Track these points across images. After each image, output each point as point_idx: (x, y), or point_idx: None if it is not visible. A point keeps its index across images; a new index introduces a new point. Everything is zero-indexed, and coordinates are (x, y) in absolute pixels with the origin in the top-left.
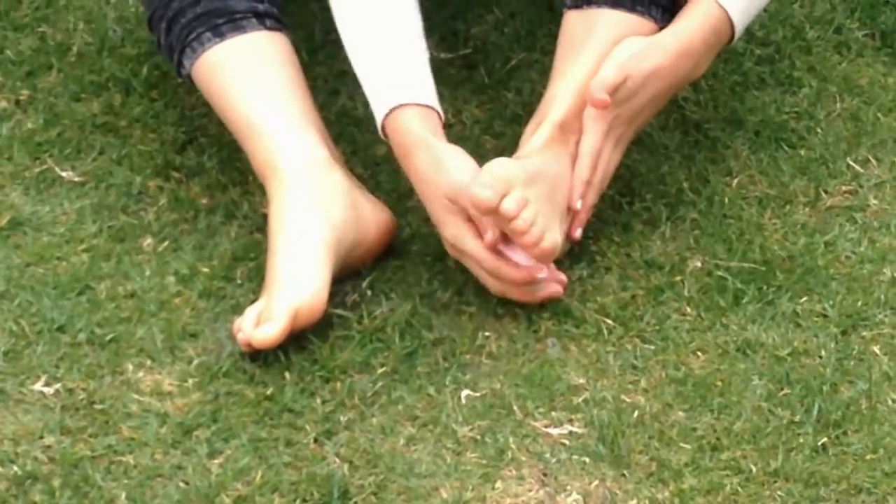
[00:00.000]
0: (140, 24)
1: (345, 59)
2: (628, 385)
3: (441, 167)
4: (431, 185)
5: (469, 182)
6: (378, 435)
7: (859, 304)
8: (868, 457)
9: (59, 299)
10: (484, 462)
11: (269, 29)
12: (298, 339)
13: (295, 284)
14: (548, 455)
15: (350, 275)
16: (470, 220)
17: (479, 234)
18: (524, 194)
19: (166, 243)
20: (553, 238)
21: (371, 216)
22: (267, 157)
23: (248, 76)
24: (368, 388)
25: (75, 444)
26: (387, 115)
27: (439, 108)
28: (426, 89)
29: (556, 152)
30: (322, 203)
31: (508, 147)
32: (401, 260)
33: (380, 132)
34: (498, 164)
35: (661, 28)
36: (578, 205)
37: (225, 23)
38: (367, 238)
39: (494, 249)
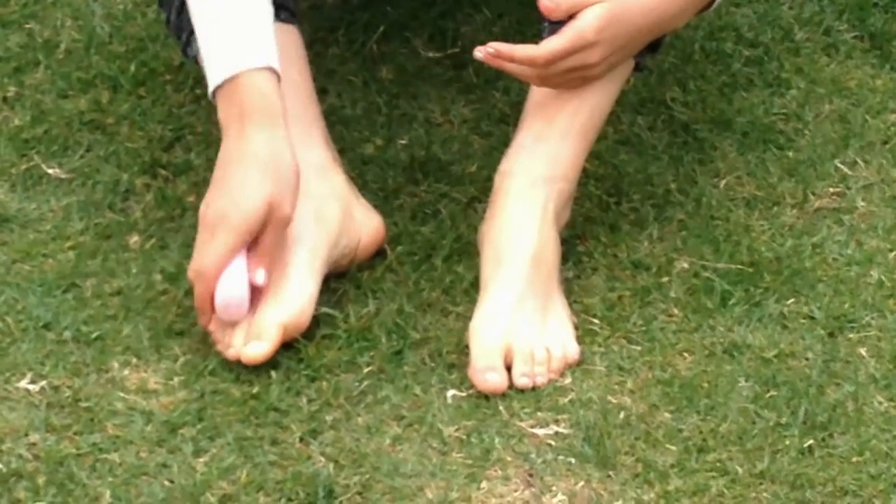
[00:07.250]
0: (128, 21)
1: (333, 58)
2: (614, 386)
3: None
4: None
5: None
6: (364, 434)
7: (846, 306)
8: (854, 459)
9: (45, 296)
10: (469, 462)
11: (283, 21)
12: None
13: (284, 300)
14: (533, 455)
15: (337, 274)
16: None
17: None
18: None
19: (153, 241)
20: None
21: (364, 222)
22: None
23: None
24: (354, 388)
25: (60, 441)
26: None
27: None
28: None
29: None
30: (318, 206)
31: (496, 146)
32: (388, 259)
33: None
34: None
35: (637, 59)
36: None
37: None
38: (357, 244)
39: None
